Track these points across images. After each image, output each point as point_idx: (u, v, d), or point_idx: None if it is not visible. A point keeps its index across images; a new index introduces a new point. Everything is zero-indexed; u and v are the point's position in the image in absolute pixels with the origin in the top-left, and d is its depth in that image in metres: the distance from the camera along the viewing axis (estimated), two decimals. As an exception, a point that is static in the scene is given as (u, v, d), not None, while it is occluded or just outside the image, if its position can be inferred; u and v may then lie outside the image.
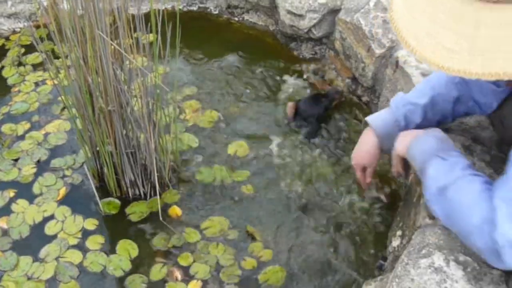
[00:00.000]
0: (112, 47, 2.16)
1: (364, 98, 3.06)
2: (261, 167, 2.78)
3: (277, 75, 3.24)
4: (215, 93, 3.13)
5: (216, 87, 3.17)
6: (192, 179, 2.71)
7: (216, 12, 3.68)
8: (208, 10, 3.69)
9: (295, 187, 2.68)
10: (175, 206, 2.58)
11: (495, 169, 2.18)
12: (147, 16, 2.16)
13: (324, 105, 2.96)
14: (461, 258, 1.78)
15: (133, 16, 2.19)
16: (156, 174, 2.42)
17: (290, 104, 2.97)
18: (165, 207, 2.58)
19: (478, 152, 2.26)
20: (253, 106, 3.07)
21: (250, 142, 2.88)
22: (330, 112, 2.99)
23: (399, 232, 2.28)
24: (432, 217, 2.01)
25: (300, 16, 3.12)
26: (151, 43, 2.25)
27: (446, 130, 2.32)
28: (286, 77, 3.23)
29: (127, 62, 2.26)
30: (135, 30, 2.20)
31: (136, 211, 2.57)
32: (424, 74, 2.59)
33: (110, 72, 2.17)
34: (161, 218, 2.42)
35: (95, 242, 2.46)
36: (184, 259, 2.40)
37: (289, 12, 3.15)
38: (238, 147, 2.85)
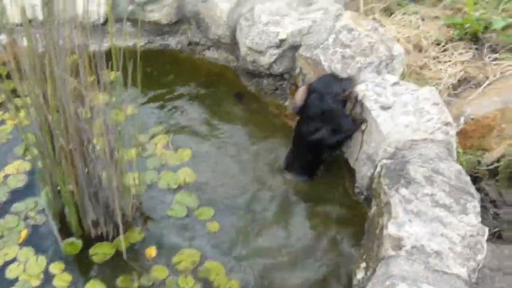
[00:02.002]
0: (73, 85, 2.15)
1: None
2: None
3: (239, 109, 3.29)
4: (182, 132, 3.14)
5: (180, 126, 3.18)
6: (159, 215, 2.68)
7: (178, 48, 3.69)
8: (170, 47, 3.70)
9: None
10: (152, 247, 2.56)
11: (455, 199, 2.23)
12: (109, 53, 2.15)
13: (342, 86, 2.76)
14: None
15: (95, 53, 2.19)
16: (119, 213, 2.39)
17: (302, 88, 2.82)
18: (132, 246, 2.55)
19: (438, 182, 2.30)
20: (226, 144, 3.10)
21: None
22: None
23: (363, 264, 2.29)
24: (395, 248, 2.03)
25: (261, 52, 3.16)
26: (112, 81, 2.25)
27: (407, 162, 2.37)
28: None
29: (89, 100, 2.25)
30: (96, 68, 2.20)
31: (99, 252, 2.52)
32: (383, 107, 2.64)
33: (71, 110, 2.16)
34: (125, 258, 2.39)
35: (61, 281, 2.41)
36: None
37: (250, 48, 3.18)
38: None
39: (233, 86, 3.44)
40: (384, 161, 2.44)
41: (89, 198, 2.43)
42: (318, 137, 2.75)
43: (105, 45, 3.18)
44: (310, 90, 2.77)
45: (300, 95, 2.79)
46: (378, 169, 2.46)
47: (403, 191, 2.24)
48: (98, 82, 2.21)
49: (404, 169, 2.33)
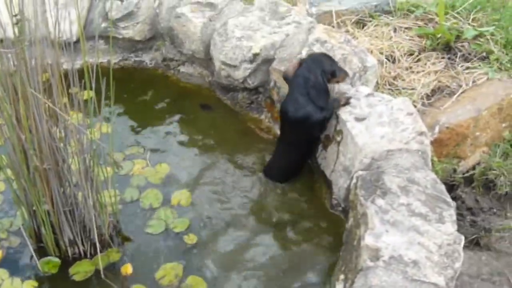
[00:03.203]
0: (47, 104, 2.13)
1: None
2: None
3: (216, 126, 3.28)
4: (158, 147, 3.12)
5: (157, 142, 3.17)
6: (136, 232, 2.67)
7: (152, 65, 3.69)
8: (144, 63, 3.70)
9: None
10: (128, 264, 2.53)
11: (430, 208, 2.24)
12: (83, 71, 2.14)
13: (333, 67, 2.82)
14: (403, 298, 1.81)
15: (68, 71, 2.17)
16: (95, 231, 2.37)
17: (295, 61, 2.88)
18: (111, 264, 2.52)
19: (414, 192, 2.31)
20: (203, 158, 3.10)
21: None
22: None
23: (342, 276, 2.29)
24: (373, 258, 2.04)
25: (235, 66, 3.17)
26: (86, 100, 2.24)
27: (382, 172, 2.38)
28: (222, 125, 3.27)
29: (63, 119, 2.23)
30: (69, 87, 2.18)
31: (80, 271, 2.49)
32: (358, 119, 2.66)
33: (45, 130, 2.14)
34: (103, 277, 2.36)
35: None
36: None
37: (224, 63, 3.19)
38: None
39: (208, 101, 3.45)
40: (360, 172, 2.45)
41: (66, 217, 2.41)
42: (305, 112, 2.73)
43: (79, 63, 3.18)
44: (301, 63, 2.81)
45: (292, 66, 2.84)
46: (354, 180, 2.47)
47: (379, 201, 2.25)
48: (72, 101, 2.19)
49: (380, 180, 2.35)
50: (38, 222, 2.46)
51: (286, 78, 2.86)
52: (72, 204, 2.41)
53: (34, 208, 2.41)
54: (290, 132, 2.84)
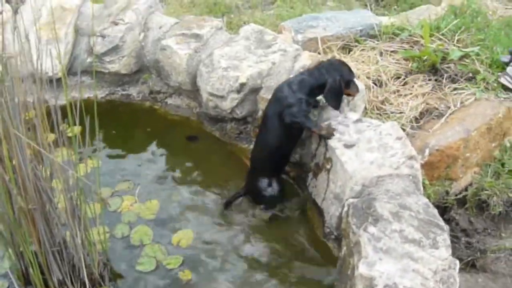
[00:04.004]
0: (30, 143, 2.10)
1: (292, 174, 3.07)
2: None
3: (205, 158, 3.23)
4: (148, 183, 3.08)
5: (146, 177, 3.12)
6: (127, 270, 2.62)
7: (139, 98, 3.67)
8: (131, 96, 3.68)
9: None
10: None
11: (424, 233, 2.21)
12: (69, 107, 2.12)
13: (351, 77, 2.89)
14: (400, 328, 1.77)
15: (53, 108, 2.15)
16: (85, 270, 2.32)
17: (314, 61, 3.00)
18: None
19: (406, 217, 2.28)
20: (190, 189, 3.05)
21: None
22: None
23: (337, 307, 2.26)
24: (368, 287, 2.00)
25: (222, 97, 3.15)
26: (70, 137, 2.21)
27: (374, 199, 2.36)
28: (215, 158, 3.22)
29: (47, 158, 2.20)
30: (53, 124, 2.15)
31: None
32: (347, 145, 2.64)
33: (29, 170, 2.10)
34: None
35: None
36: None
37: (211, 94, 3.17)
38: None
39: (195, 132, 3.42)
40: (351, 200, 2.43)
41: (54, 257, 2.36)
42: (283, 94, 2.80)
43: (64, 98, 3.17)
44: (321, 63, 2.90)
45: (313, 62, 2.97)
46: (345, 208, 2.44)
47: (372, 229, 2.22)
48: (57, 137, 2.17)
49: (372, 207, 2.32)
50: (26, 263, 2.41)
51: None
52: (60, 243, 2.36)
53: (21, 249, 2.36)
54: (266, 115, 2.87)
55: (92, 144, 2.27)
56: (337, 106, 2.82)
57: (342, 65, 2.90)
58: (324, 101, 2.88)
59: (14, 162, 2.10)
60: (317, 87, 2.81)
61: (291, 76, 3.01)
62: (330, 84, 2.78)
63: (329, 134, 2.73)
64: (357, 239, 2.20)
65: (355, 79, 2.94)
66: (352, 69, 2.94)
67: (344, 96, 2.88)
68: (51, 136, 2.19)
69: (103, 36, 3.46)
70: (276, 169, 2.92)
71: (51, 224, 2.32)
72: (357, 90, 2.92)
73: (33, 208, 2.20)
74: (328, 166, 2.70)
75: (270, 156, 2.88)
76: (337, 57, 3.64)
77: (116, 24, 3.51)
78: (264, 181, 2.88)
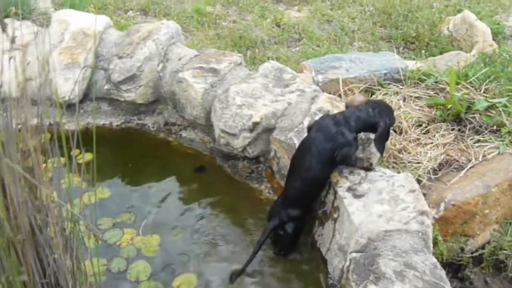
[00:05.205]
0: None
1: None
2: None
3: (215, 198, 3.14)
4: (151, 218, 2.99)
5: (151, 210, 3.04)
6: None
7: (154, 128, 3.62)
8: (146, 126, 3.63)
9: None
10: None
11: (428, 297, 2.09)
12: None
13: (392, 120, 2.92)
14: None
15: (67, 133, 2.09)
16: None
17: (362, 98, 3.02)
18: None
19: (410, 277, 2.16)
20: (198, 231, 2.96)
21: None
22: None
23: None
24: None
25: (234, 135, 3.07)
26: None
27: (378, 255, 2.24)
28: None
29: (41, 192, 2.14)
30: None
31: None
32: (356, 195, 2.53)
33: (20, 200, 2.04)
34: None
35: None
36: None
37: (223, 131, 3.10)
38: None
39: (203, 163, 3.36)
40: (354, 254, 2.31)
41: (43, 290, 2.29)
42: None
43: (81, 123, 3.15)
44: (368, 102, 2.89)
45: (360, 98, 3.03)
46: (347, 263, 2.32)
47: (372, 288, 2.10)
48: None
49: (374, 264, 2.20)
50: (15, 294, 2.35)
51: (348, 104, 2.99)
52: (50, 275, 2.29)
53: (10, 278, 2.30)
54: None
55: (102, 172, 2.20)
56: (382, 150, 2.80)
57: (390, 109, 2.90)
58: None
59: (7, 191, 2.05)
60: (369, 126, 2.77)
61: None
62: (382, 128, 2.74)
63: (370, 165, 2.73)
64: (355, 298, 2.09)
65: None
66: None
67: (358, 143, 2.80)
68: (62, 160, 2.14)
69: (105, 70, 3.45)
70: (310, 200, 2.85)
71: (42, 255, 2.26)
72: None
73: (22, 239, 2.14)
74: (335, 215, 2.59)
75: (312, 187, 2.78)
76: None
77: (120, 57, 3.50)
78: (296, 211, 2.76)
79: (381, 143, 2.78)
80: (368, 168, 2.71)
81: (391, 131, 3.25)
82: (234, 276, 2.68)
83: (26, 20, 3.90)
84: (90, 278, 2.41)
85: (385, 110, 2.83)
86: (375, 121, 2.75)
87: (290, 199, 2.76)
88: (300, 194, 2.74)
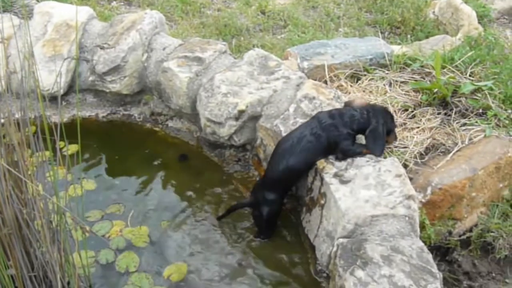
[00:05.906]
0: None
1: (288, 206, 2.97)
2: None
3: (202, 187, 3.14)
4: (140, 209, 2.99)
5: (139, 201, 3.04)
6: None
7: (140, 119, 3.60)
8: (132, 117, 3.61)
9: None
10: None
11: (415, 280, 2.10)
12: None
13: (392, 126, 2.92)
14: None
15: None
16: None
17: (364, 101, 2.99)
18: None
19: (397, 262, 2.17)
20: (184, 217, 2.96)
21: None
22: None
23: None
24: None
25: (220, 123, 3.07)
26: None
27: (365, 240, 2.25)
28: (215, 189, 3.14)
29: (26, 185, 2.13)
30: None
31: None
32: (342, 181, 2.54)
33: (5, 194, 2.03)
34: None
35: None
36: None
37: (209, 119, 3.09)
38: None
39: (197, 159, 3.33)
40: (341, 240, 2.32)
41: (31, 282, 2.29)
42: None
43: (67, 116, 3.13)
44: (368, 106, 2.89)
45: (360, 100, 2.96)
46: (334, 248, 2.33)
47: (359, 273, 2.11)
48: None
49: (361, 249, 2.21)
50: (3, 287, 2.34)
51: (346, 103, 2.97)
52: (37, 268, 2.29)
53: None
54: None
55: (88, 164, 2.19)
56: (375, 149, 2.76)
57: (386, 113, 2.89)
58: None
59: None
60: (362, 127, 2.77)
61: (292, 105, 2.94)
62: (373, 125, 2.75)
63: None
64: (342, 283, 2.09)
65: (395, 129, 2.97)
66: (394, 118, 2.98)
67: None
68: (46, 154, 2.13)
69: (87, 61, 3.43)
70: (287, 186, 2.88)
71: (29, 249, 2.25)
72: (395, 139, 2.97)
73: (8, 233, 2.13)
74: (322, 202, 2.59)
75: (289, 175, 2.80)
76: (344, 85, 3.54)
77: (102, 48, 3.47)
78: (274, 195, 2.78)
79: (373, 141, 2.76)
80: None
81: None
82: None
83: (7, 12, 3.86)
84: (78, 270, 2.42)
85: (380, 113, 2.83)
86: (368, 121, 2.77)
87: (267, 183, 2.80)
88: (277, 179, 2.77)
